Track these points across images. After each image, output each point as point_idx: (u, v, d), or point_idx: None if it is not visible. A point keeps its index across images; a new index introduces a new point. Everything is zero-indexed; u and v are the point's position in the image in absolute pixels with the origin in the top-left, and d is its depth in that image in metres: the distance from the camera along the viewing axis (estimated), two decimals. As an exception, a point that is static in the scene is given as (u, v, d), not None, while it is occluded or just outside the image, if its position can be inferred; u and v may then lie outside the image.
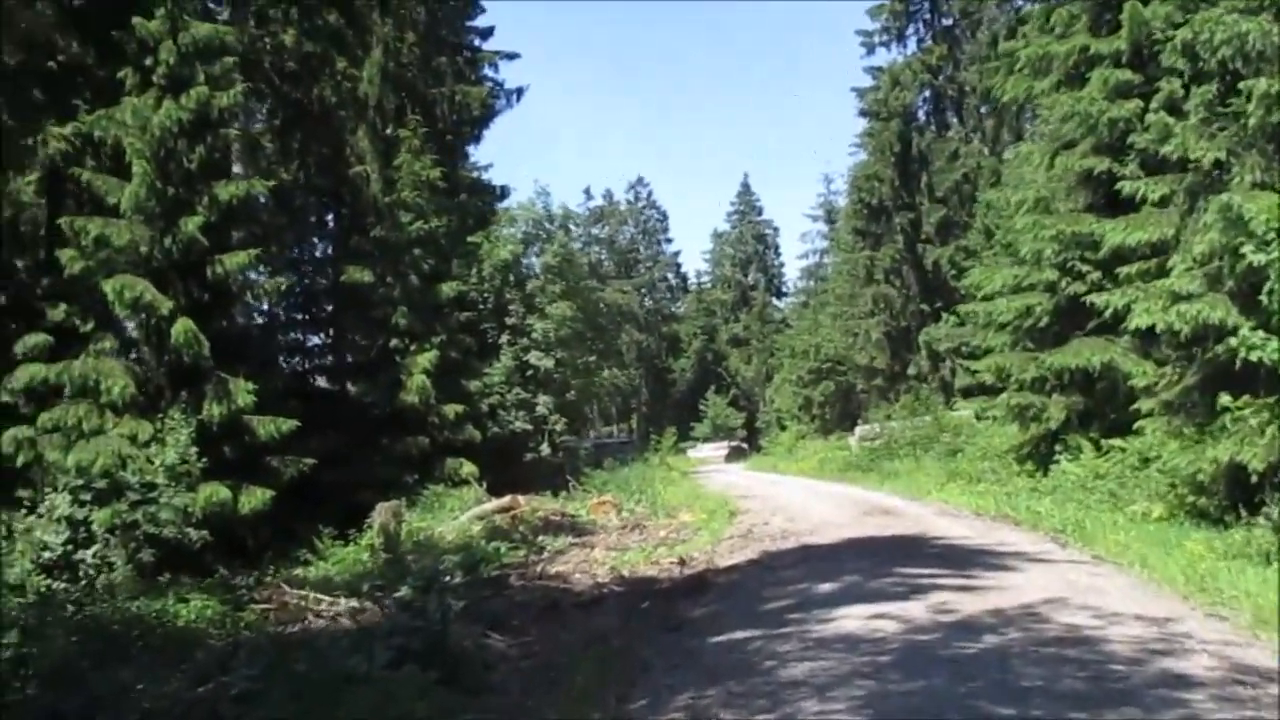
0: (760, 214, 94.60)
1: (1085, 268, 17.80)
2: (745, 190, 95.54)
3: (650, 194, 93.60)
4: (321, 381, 28.34)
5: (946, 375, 43.15)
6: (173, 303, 20.30)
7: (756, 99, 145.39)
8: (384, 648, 7.84)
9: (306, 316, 28.12)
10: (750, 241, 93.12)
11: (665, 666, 7.77)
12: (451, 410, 24.81)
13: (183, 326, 19.95)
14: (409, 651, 7.83)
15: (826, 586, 10.09)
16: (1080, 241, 17.66)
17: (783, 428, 63.84)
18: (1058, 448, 18.56)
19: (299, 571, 19.44)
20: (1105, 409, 18.25)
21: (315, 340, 28.71)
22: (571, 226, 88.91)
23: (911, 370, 45.00)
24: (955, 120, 50.33)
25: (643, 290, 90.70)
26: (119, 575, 19.39)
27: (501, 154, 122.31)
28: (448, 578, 14.32)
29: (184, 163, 21.37)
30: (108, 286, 19.83)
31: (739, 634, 8.52)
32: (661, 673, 7.57)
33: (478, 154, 34.20)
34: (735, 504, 21.64)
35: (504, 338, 27.48)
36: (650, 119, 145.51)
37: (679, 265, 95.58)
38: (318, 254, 32.97)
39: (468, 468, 24.46)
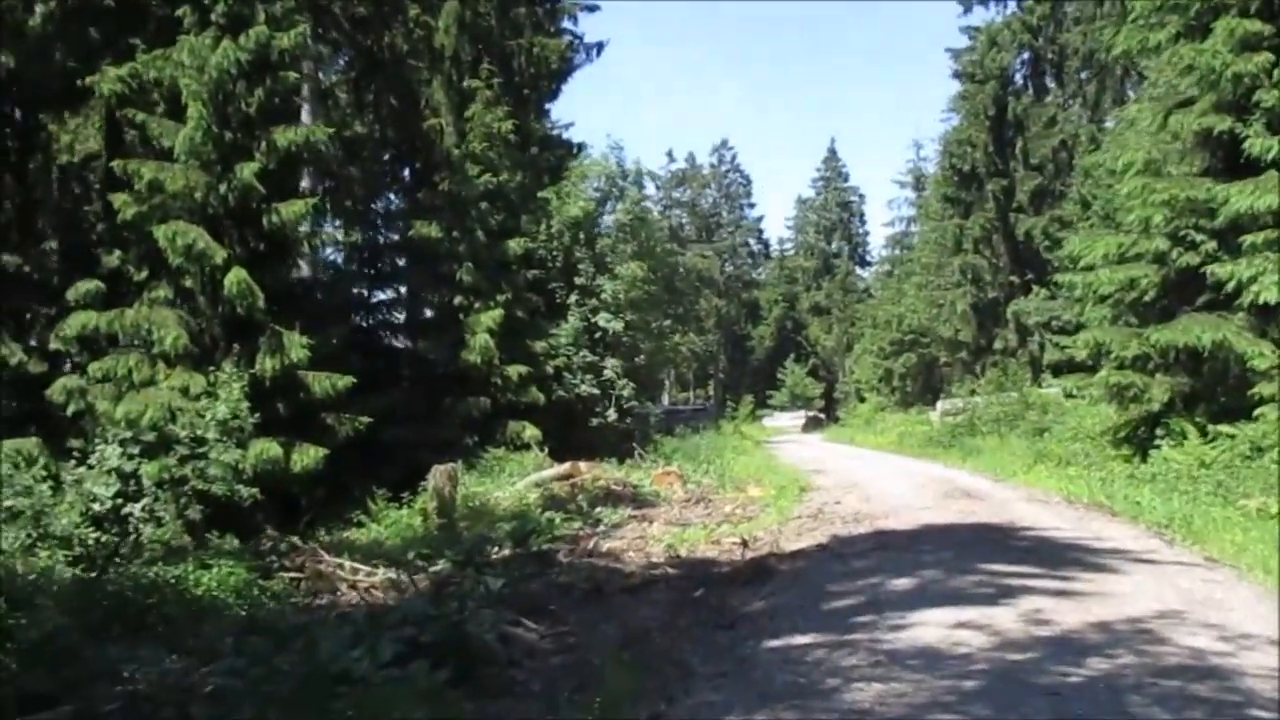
0: (846, 180, 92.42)
1: (1200, 237, 16.21)
2: (832, 156, 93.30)
3: (734, 158, 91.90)
4: (391, 339, 27.68)
5: (1035, 350, 41.39)
6: (227, 252, 19.67)
7: (846, 60, 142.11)
8: (392, 639, 6.87)
9: (372, 271, 27.38)
10: (835, 209, 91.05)
11: (711, 675, 6.72)
12: (515, 371, 23.94)
13: (236, 276, 19.28)
14: (420, 645, 6.88)
15: (901, 582, 8.95)
16: (1195, 208, 16.07)
17: (862, 399, 62.35)
18: (1159, 432, 17.03)
19: (351, 534, 18.82)
20: (1215, 391, 16.72)
21: (383, 296, 28.00)
22: (652, 188, 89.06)
23: (998, 344, 43.21)
24: (1054, 85, 48.05)
25: (724, 255, 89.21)
26: (168, 531, 19.07)
27: (582, 112, 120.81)
28: (495, 549, 13.50)
29: (242, 106, 20.66)
30: (160, 233, 19.22)
31: (799, 639, 7.42)
32: (705, 684, 6.52)
33: (557, 110, 33.14)
34: (807, 479, 20.47)
35: (572, 298, 26.44)
36: (736, 82, 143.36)
37: (761, 231, 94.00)
38: (391, 208, 32.48)
39: (530, 431, 23.60)
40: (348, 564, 12.35)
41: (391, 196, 32.90)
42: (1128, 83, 43.89)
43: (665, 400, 75.54)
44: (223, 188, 20.03)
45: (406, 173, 32.66)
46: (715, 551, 12.26)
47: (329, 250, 22.18)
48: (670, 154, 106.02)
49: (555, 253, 26.56)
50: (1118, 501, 14.19)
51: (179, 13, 20.92)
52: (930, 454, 29.02)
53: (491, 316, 23.69)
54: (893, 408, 52.15)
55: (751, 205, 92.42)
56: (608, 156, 28.50)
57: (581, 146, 30.47)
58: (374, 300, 27.44)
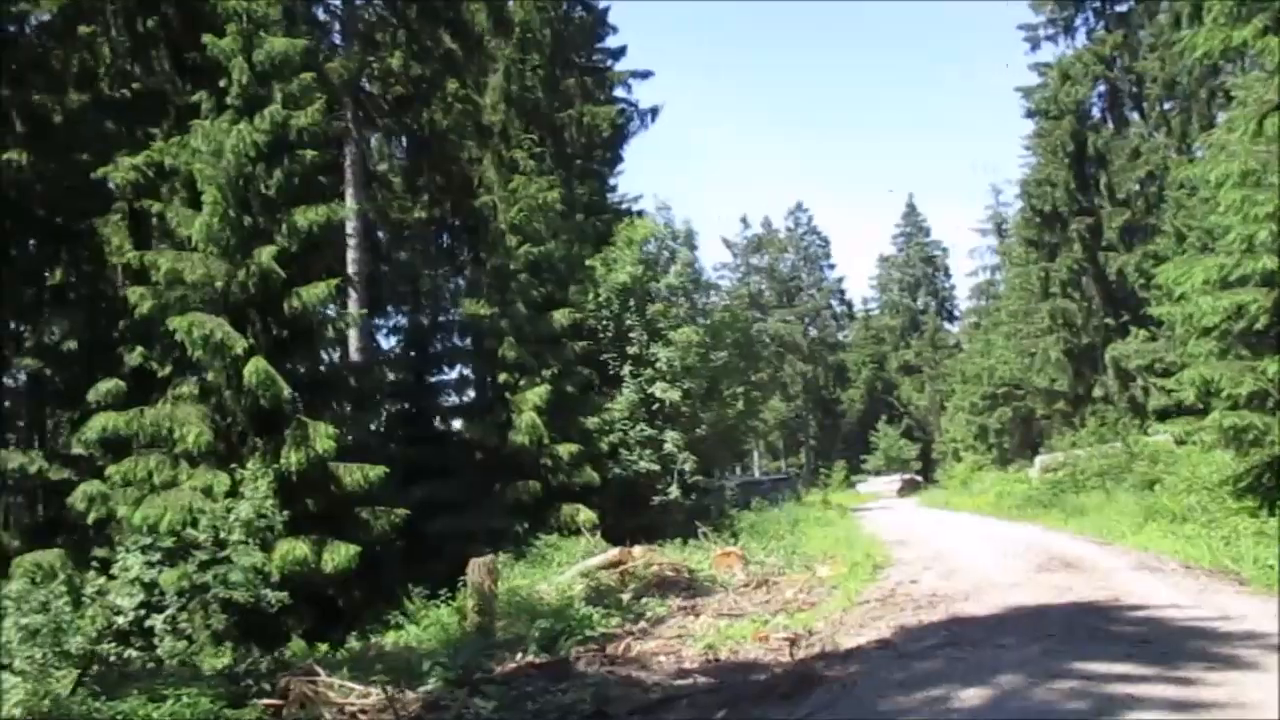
0: (928, 235, 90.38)
1: (1314, 251, 14.11)
2: (911, 211, 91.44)
3: (810, 219, 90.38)
4: (443, 424, 26.38)
5: (1138, 395, 38.71)
6: (247, 341, 18.53)
7: (916, 115, 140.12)
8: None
9: (415, 354, 26.15)
10: (918, 264, 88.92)
11: None
12: (566, 450, 22.36)
13: (255, 366, 18.11)
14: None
15: (971, 694, 7.02)
16: (1305, 219, 14.01)
17: (958, 459, 59.50)
18: (1288, 478, 14.82)
19: (386, 637, 17.32)
20: (1349, 428, 14.48)
21: (436, 379, 26.75)
22: (729, 255, 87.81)
23: (1097, 392, 40.54)
24: (1135, 115, 45.71)
25: (806, 319, 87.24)
26: (199, 642, 17.72)
27: (649, 182, 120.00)
28: (520, 656, 11.82)
29: (262, 189, 19.70)
30: (175, 324, 18.16)
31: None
32: None
33: (624, 184, 32.05)
34: (886, 552, 18.43)
35: (626, 368, 24.87)
36: (805, 142, 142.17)
37: (843, 292, 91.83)
38: (447, 288, 31.52)
39: (584, 514, 21.92)
40: (337, 683, 10.71)
41: (452, 278, 32.13)
42: (1213, 105, 41.45)
43: (756, 471, 73.44)
44: (241, 274, 19.01)
45: (466, 250, 31.86)
46: (761, 650, 10.41)
47: (383, 334, 20.78)
48: (744, 220, 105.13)
49: (605, 322, 25.08)
50: (1246, 565, 11.99)
51: (195, 98, 20.17)
52: (1029, 514, 26.64)
53: (538, 393, 22.22)
54: (990, 466, 49.42)
55: (831, 266, 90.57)
56: (655, 218, 26.94)
57: (628, 210, 29.16)
58: (425, 383, 26.14)
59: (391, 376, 25.56)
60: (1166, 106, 44.33)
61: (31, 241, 21.47)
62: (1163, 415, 32.29)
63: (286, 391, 18.52)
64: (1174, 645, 8.09)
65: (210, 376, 18.86)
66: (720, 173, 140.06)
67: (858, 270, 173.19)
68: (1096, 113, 45.15)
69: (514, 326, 23.05)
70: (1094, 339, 41.30)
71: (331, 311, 20.26)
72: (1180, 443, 23.59)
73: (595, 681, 9.31)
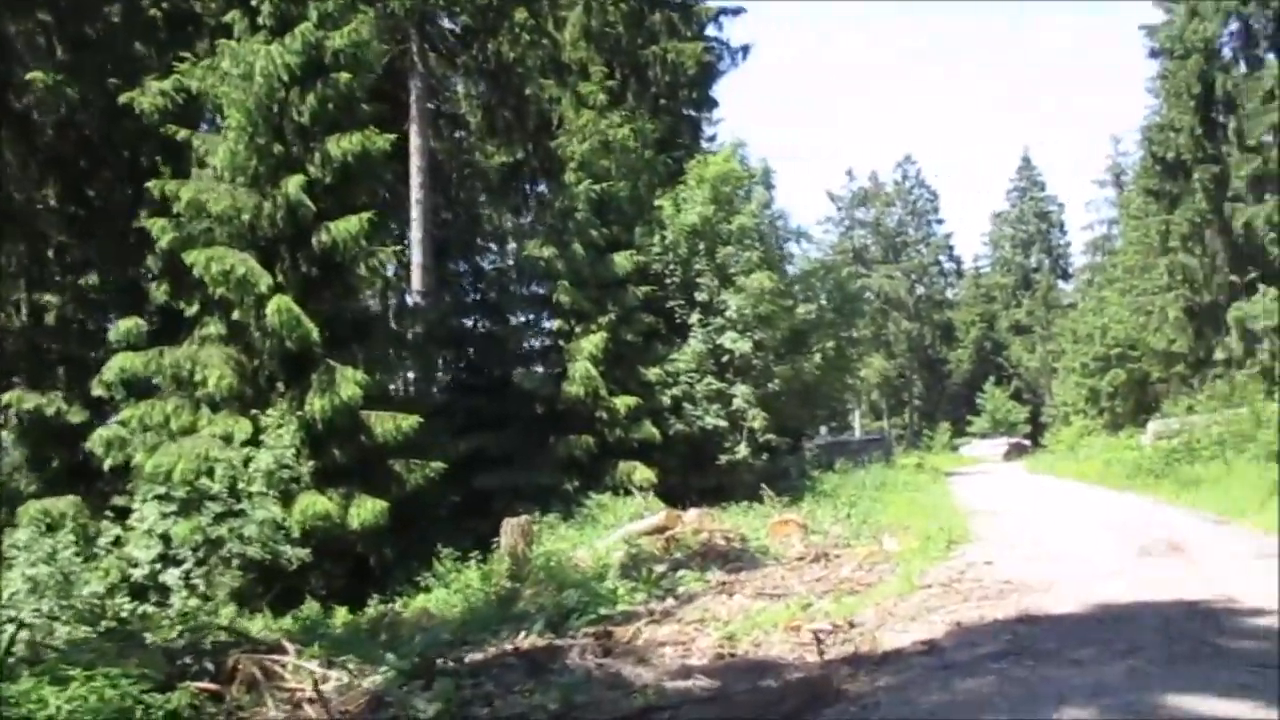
0: (1043, 190, 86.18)
1: None
2: (1026, 165, 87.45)
3: (919, 173, 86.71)
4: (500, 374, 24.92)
5: (1266, 359, 35.48)
6: (271, 279, 17.23)
7: (1034, 58, 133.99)
8: None
9: (476, 299, 24.71)
10: (1032, 220, 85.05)
11: None
12: (623, 403, 20.73)
13: (279, 304, 16.85)
14: None
15: (1026, 734, 5.19)
16: None
17: (1067, 423, 56.37)
18: None
19: (416, 600, 16.00)
20: None
21: (495, 327, 25.29)
22: (833, 209, 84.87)
23: (1219, 355, 37.39)
24: (1271, 55, 41.88)
25: (912, 276, 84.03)
26: (216, 600, 16.61)
27: (750, 131, 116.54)
28: (523, 635, 10.26)
29: (295, 115, 18.33)
30: (192, 259, 16.97)
31: None
32: None
33: (723, 133, 30.06)
34: (968, 525, 16.34)
35: (694, 317, 23.01)
36: (918, 90, 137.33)
37: (952, 249, 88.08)
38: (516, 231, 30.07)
39: (641, 473, 20.29)
40: (292, 664, 9.24)
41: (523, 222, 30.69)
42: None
43: (857, 431, 70.95)
44: (268, 206, 17.69)
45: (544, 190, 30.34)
46: (788, 645, 8.61)
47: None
48: (850, 172, 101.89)
49: (672, 266, 23.23)
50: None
51: (229, 18, 18.86)
52: (1139, 485, 24.14)
53: (594, 341, 20.59)
54: (1100, 431, 46.41)
55: (940, 221, 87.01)
56: (731, 155, 24.87)
57: (698, 147, 27.20)
58: (485, 330, 24.68)
59: (450, 324, 24.24)
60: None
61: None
62: (1294, 380, 29.49)
63: (315, 333, 17.23)
64: (1307, 672, 6.09)
65: (236, 316, 17.66)
66: (827, 123, 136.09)
67: (969, 227, 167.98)
68: (1227, 52, 41.41)
69: (571, 269, 21.43)
70: (1217, 297, 38.08)
71: (381, 254, 18.74)
72: (1315, 409, 21.01)
73: (572, 681, 7.62)
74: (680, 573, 12.94)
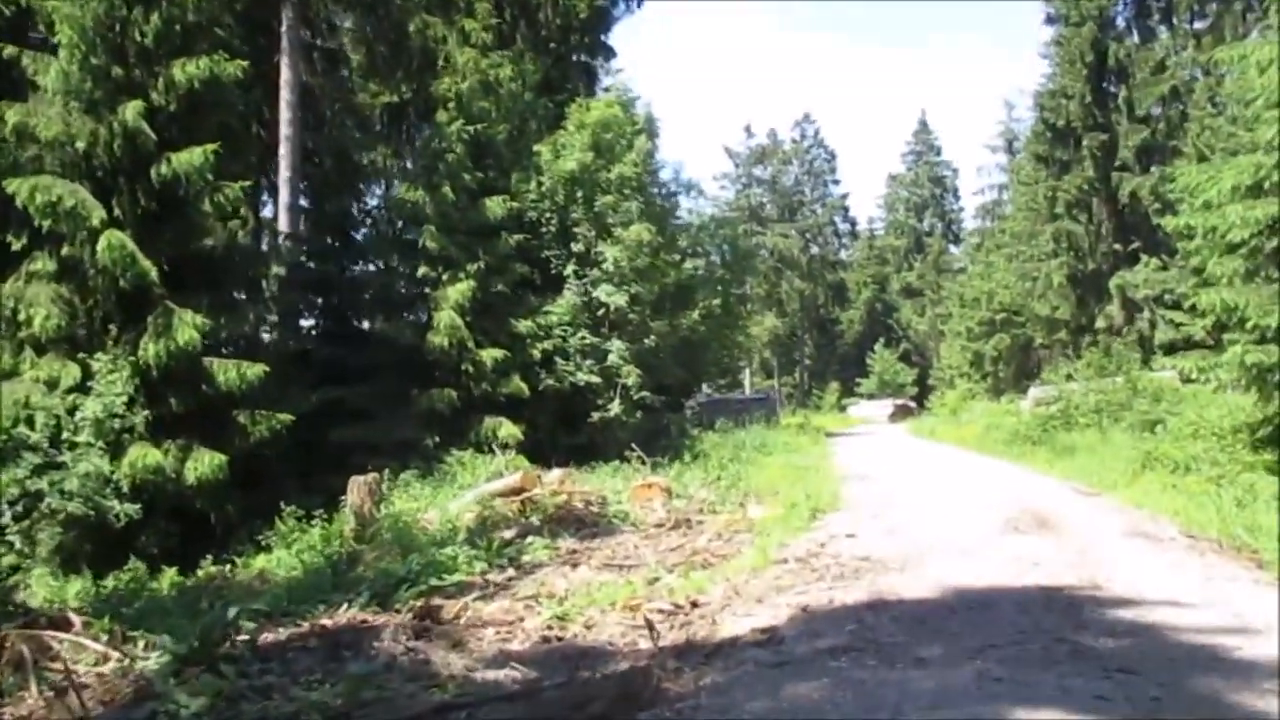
0: (939, 154, 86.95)
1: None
2: (923, 129, 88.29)
3: (817, 132, 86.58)
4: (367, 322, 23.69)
5: (1145, 328, 35.94)
6: (104, 212, 15.81)
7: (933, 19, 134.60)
8: None
9: (338, 243, 23.40)
10: (927, 184, 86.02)
11: None
12: (490, 356, 19.75)
13: (110, 240, 15.47)
14: None
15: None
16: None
17: (952, 386, 56.93)
18: (1318, 430, 12.13)
19: (257, 561, 14.95)
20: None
21: (358, 271, 24.03)
22: (730, 165, 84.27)
23: (1101, 323, 37.85)
24: (1163, 28, 42.28)
25: (807, 235, 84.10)
26: (36, 559, 15.41)
27: (646, 84, 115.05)
28: (345, 606, 9.34)
29: (137, 36, 16.82)
30: (14, 187, 15.45)
31: None
32: None
33: (612, 78, 28.72)
34: (837, 492, 15.81)
35: (569, 268, 22.07)
36: (817, 49, 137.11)
37: (847, 209, 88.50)
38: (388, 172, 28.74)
39: (506, 429, 19.40)
40: (69, 640, 8.20)
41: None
42: (1250, 19, 38.13)
43: (748, 389, 70.82)
44: (104, 133, 16.22)
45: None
46: (621, 629, 7.85)
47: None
48: (748, 129, 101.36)
49: (548, 215, 22.21)
50: (1264, 539, 9.35)
51: (66, -75, 17.16)
52: (1015, 453, 24.02)
53: (459, 290, 19.55)
54: (983, 395, 46.83)
55: (836, 182, 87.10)
56: (614, 100, 23.85)
57: (581, 91, 26.12)
58: (348, 275, 23.42)
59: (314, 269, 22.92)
60: (1197, 26, 41.15)
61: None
62: (1170, 349, 29.64)
63: (153, 272, 15.89)
64: (1172, 674, 5.45)
65: (67, 252, 16.21)
66: (726, 79, 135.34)
67: (865, 189, 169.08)
68: (1121, 22, 41.78)
69: (439, 214, 20.28)
70: (1100, 265, 38.46)
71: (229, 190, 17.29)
72: (1187, 380, 20.95)
73: (365, 671, 6.72)
74: (529, 539, 12.13)
